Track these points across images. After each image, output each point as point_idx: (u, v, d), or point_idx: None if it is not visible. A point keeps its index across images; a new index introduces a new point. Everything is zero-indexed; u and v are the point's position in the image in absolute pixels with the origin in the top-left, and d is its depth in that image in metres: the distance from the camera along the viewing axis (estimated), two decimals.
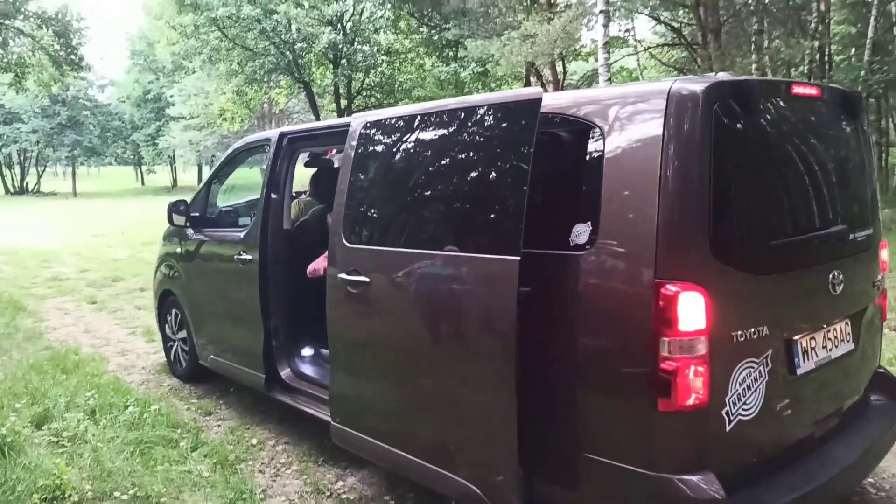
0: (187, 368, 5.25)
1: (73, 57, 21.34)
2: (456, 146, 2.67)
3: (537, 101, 2.34)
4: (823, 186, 2.55)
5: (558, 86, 22.16)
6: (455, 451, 2.59)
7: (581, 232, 2.31)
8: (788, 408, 2.41)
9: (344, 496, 3.41)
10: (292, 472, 3.70)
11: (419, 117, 2.89)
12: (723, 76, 2.27)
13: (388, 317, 2.90)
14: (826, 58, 16.09)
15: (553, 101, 2.43)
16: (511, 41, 12.89)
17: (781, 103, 2.45)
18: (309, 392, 3.92)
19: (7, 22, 19.92)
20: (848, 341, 2.69)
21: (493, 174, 2.49)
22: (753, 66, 13.80)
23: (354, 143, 3.16)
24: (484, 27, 17.63)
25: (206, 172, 43.94)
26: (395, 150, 3.01)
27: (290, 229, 4.22)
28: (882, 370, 3.05)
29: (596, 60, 25.68)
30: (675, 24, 14.24)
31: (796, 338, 2.42)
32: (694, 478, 2.10)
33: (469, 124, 2.61)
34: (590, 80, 20.34)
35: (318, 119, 22.66)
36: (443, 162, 2.72)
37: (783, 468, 2.35)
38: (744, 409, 2.24)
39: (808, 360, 2.47)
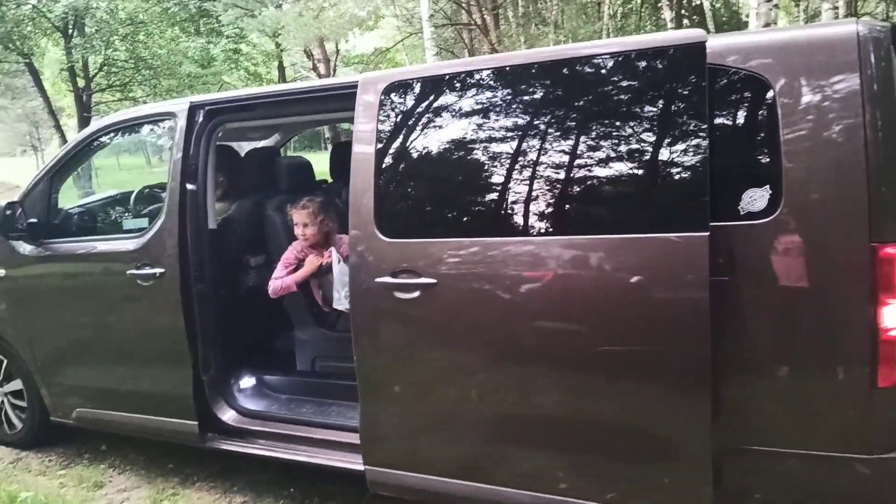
0: (27, 431, 3.86)
1: None
2: (588, 103, 2.17)
3: (701, 45, 1.98)
4: None
5: (328, 65, 21.49)
6: (612, 481, 2.15)
7: (756, 198, 2.02)
8: None
9: None
10: None
11: (515, 69, 2.30)
12: (867, 19, 2.13)
13: (483, 327, 2.29)
14: None
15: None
16: (306, 13, 11.93)
17: None
18: (270, 432, 3.09)
19: None
20: None
21: (656, 133, 2.06)
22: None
23: (374, 110, 2.47)
24: None
25: None
26: (473, 112, 2.37)
27: (215, 230, 3.25)
28: None
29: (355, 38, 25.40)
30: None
31: None
32: None
33: (608, 75, 2.13)
34: (372, 60, 19.98)
35: (46, 100, 18.81)
36: (568, 123, 2.19)
37: None
38: None
39: None
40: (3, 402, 3.90)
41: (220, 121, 3.16)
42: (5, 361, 3.82)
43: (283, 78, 23.80)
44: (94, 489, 3.39)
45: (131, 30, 18.50)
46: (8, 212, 3.42)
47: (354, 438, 2.73)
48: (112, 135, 3.59)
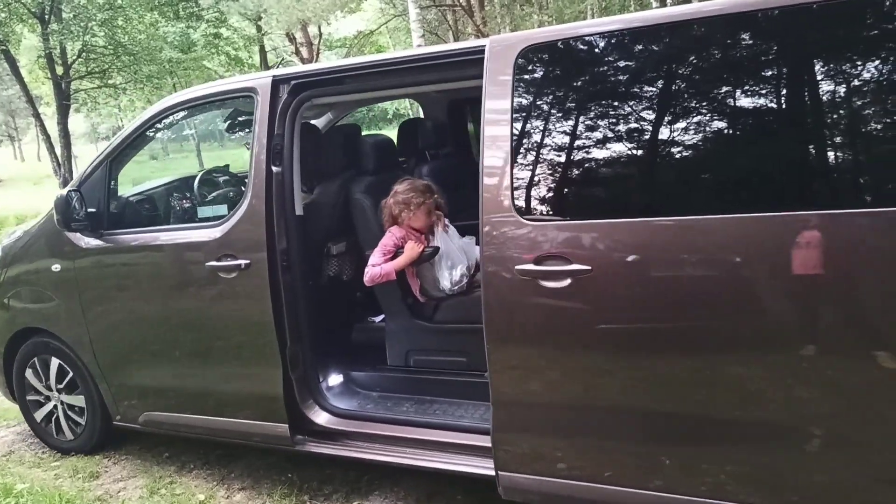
0: (86, 437, 3.59)
1: None
2: (789, 56, 1.97)
3: None
4: None
5: (311, 48, 21.25)
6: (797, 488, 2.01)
7: None
8: None
9: None
10: None
11: (686, 24, 2.06)
12: None
13: (649, 319, 2.09)
14: None
15: None
16: None
17: None
18: (369, 433, 2.85)
19: None
20: None
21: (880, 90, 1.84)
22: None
23: (509, 78, 2.25)
24: None
25: None
26: (636, 74, 2.16)
27: (301, 216, 2.99)
28: None
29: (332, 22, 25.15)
30: None
31: None
32: None
33: (819, 22, 1.91)
34: (356, 43, 19.75)
35: (24, 88, 18.40)
36: (763, 81, 1.97)
37: None
38: None
39: None
40: (58, 407, 3.63)
41: (307, 96, 2.86)
42: (58, 363, 3.54)
43: (264, 62, 23.49)
44: (89, 479, 3.36)
45: (109, 15, 18.09)
46: (67, 201, 3.13)
47: (472, 439, 2.59)
48: (179, 115, 3.28)
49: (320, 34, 20.40)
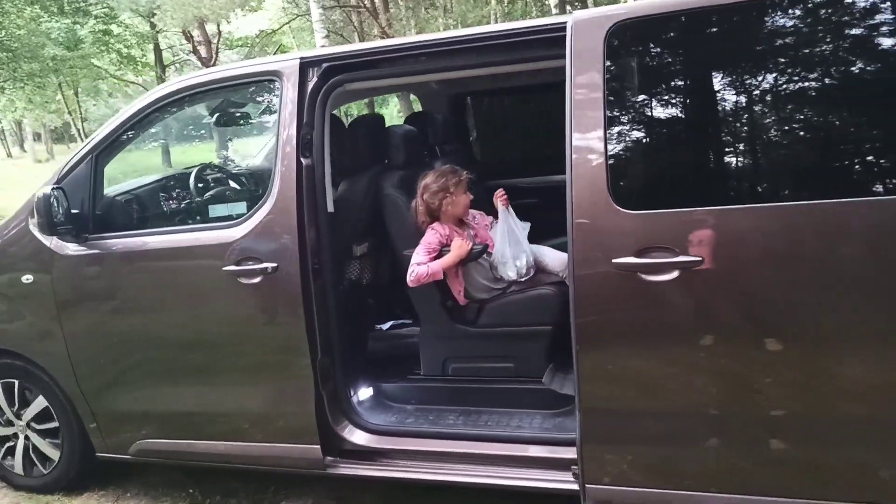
0: (61, 471, 3.13)
1: None
2: None
3: None
4: None
5: (210, 47, 20.53)
6: None
7: None
8: None
9: None
10: None
11: None
12: None
13: (775, 313, 1.92)
14: None
15: None
16: None
17: None
18: (410, 450, 2.61)
19: None
20: None
21: None
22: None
23: (599, 56, 2.06)
24: None
25: None
26: (753, 49, 2.00)
27: (333, 213, 2.74)
28: None
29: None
30: None
31: None
32: None
33: None
34: (258, 43, 19.20)
35: None
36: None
37: None
38: None
39: None
40: (27, 439, 3.14)
41: (340, 81, 2.61)
42: (33, 391, 3.08)
43: (160, 61, 22.47)
44: None
45: None
46: (49, 202, 2.67)
47: (539, 451, 2.45)
48: (183, 102, 2.89)
49: (219, 33, 19.68)
